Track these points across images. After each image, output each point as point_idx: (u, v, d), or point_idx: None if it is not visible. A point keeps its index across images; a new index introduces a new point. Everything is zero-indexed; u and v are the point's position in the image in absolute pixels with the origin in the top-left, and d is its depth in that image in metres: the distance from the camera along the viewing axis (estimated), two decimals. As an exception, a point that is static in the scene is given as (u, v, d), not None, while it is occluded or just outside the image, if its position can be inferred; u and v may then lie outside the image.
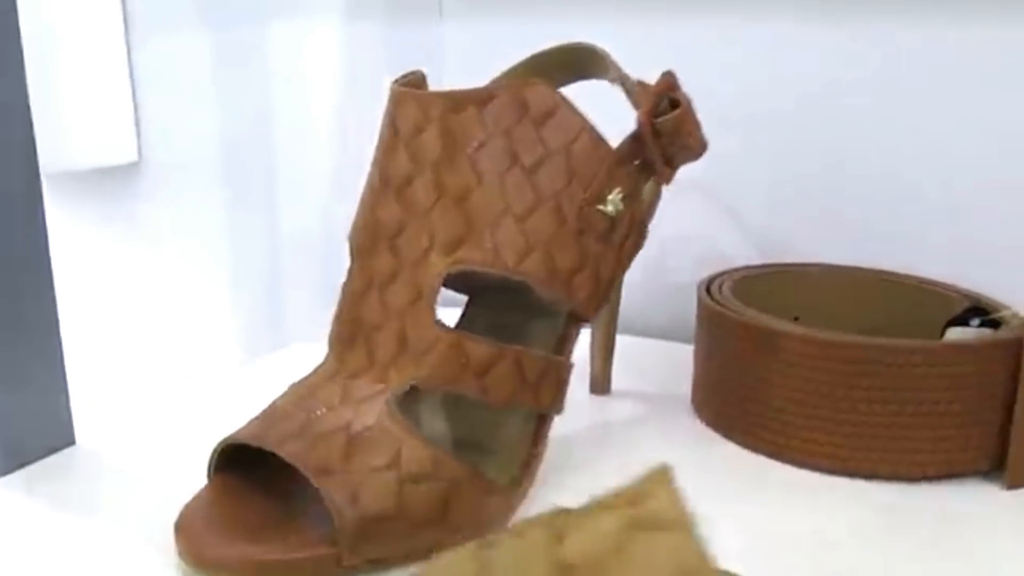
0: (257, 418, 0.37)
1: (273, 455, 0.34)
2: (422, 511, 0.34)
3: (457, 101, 0.37)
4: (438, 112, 0.37)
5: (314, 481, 0.33)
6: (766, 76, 0.55)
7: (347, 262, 0.39)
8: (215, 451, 0.37)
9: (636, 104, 0.41)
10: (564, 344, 0.41)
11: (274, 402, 0.38)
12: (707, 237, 0.59)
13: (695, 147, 0.40)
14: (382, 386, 0.36)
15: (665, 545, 0.18)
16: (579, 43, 0.43)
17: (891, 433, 0.42)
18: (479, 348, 0.36)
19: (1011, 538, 0.38)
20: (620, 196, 0.39)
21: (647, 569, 0.18)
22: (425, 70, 0.41)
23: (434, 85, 0.41)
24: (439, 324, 0.36)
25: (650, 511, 0.19)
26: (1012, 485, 0.42)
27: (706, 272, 0.52)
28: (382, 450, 0.34)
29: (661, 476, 0.20)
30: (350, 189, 0.41)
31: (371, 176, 0.39)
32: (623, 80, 0.42)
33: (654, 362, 0.56)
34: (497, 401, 0.37)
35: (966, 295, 0.48)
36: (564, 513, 0.21)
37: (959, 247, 0.53)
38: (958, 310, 0.47)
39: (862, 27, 0.53)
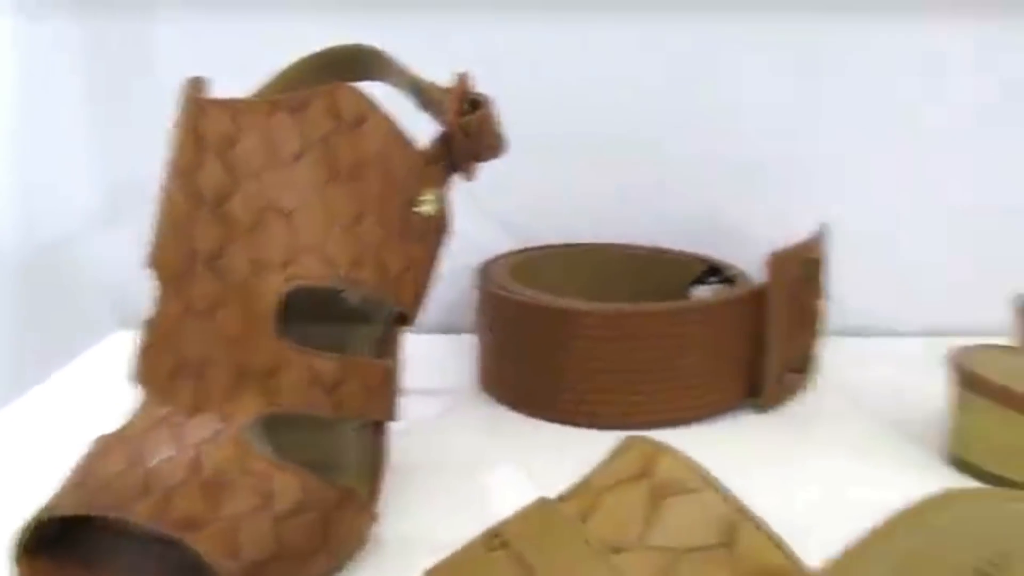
0: (73, 481, 0.32)
1: (90, 519, 0.30)
2: (304, 544, 0.32)
3: (270, 108, 0.35)
4: (252, 120, 0.34)
5: (182, 539, 0.30)
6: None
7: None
8: (24, 530, 0.31)
9: (430, 104, 0.42)
10: (388, 348, 0.41)
11: (87, 459, 0.33)
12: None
13: (498, 145, 0.42)
14: (223, 424, 0.33)
15: (699, 505, 0.20)
16: (359, 45, 0.43)
17: (670, 384, 0.48)
18: (327, 364, 0.35)
19: (763, 446, 0.46)
20: (434, 196, 0.39)
21: (689, 532, 0.20)
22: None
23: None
24: (284, 346, 0.34)
25: (668, 478, 0.21)
26: (764, 407, 0.50)
27: (460, 264, 0.54)
28: (249, 490, 0.32)
29: (649, 446, 0.22)
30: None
31: (170, 192, 0.35)
32: (414, 82, 0.42)
33: (430, 355, 0.57)
34: (350, 415, 0.36)
35: (702, 259, 0.56)
36: (575, 496, 0.21)
37: (692, 221, 0.61)
38: (697, 272, 0.55)
39: (600, 27, 0.59)
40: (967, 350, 0.45)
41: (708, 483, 0.20)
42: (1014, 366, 0.43)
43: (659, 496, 0.20)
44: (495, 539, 0.21)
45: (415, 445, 0.44)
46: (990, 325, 0.54)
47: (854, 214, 0.61)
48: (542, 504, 0.22)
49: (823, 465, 0.45)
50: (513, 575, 0.20)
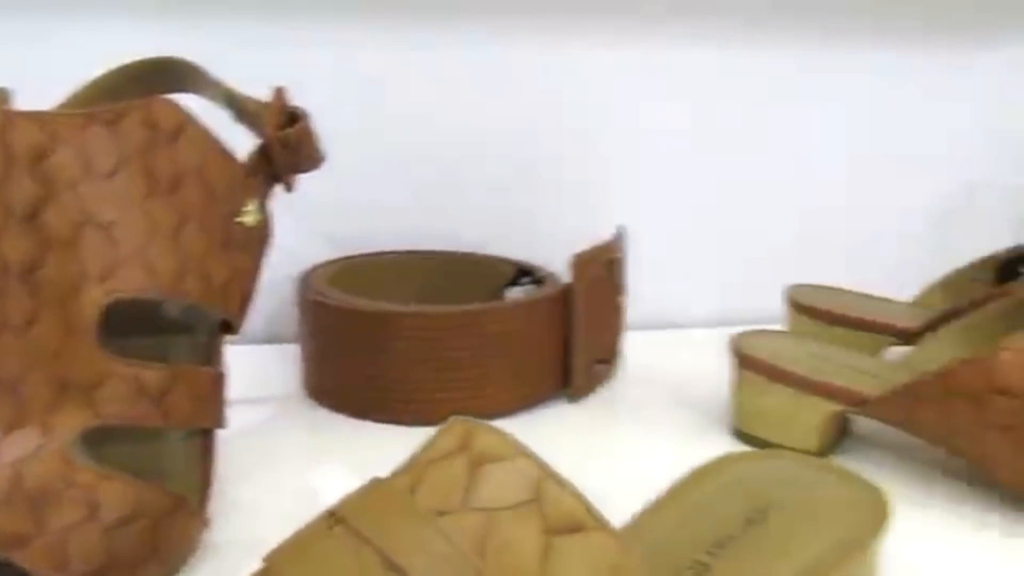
0: None
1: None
2: (135, 552, 0.33)
3: (85, 121, 0.35)
4: (66, 133, 0.34)
5: (9, 557, 0.29)
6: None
7: None
8: None
9: (245, 116, 0.43)
10: (213, 357, 0.41)
11: None
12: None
13: (317, 157, 0.43)
14: (45, 439, 0.33)
15: (511, 470, 0.23)
16: (171, 57, 0.43)
17: (487, 379, 0.51)
18: (154, 374, 0.35)
19: (574, 431, 0.51)
20: (255, 207, 0.40)
21: (503, 493, 0.23)
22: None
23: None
24: (108, 357, 0.34)
25: (484, 449, 0.24)
26: (575, 397, 0.54)
27: (281, 275, 0.56)
28: (75, 502, 0.32)
29: (468, 424, 0.25)
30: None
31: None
32: (228, 95, 0.43)
33: (255, 365, 0.57)
34: (178, 424, 0.36)
35: (513, 263, 0.59)
36: (404, 472, 0.24)
37: (506, 227, 0.65)
38: (511, 275, 0.58)
39: (412, 39, 0.61)
40: (743, 335, 0.51)
41: (519, 451, 0.23)
42: (782, 347, 0.50)
43: (477, 465, 0.23)
44: (332, 517, 0.23)
45: (243, 451, 0.45)
46: (772, 313, 0.62)
47: (649, 215, 0.68)
48: (374, 482, 0.24)
49: (627, 444, 0.49)
50: (350, 546, 0.22)
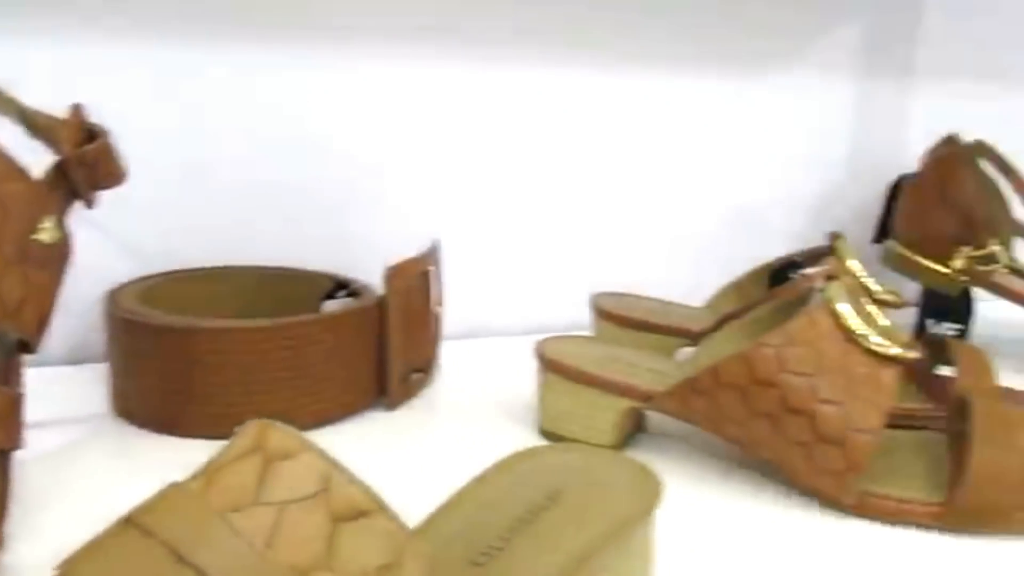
0: None
1: None
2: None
3: None
4: None
5: None
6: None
7: None
8: None
9: (39, 133, 0.42)
10: (10, 377, 0.40)
11: None
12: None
13: (117, 173, 0.43)
14: None
15: (301, 465, 0.25)
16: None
17: (303, 390, 0.52)
18: (-58, 396, 0.34)
19: (390, 438, 0.52)
20: (52, 224, 0.40)
21: (293, 487, 0.24)
22: None
23: None
24: None
25: (277, 447, 0.25)
26: (392, 406, 0.56)
27: (89, 293, 0.55)
28: None
29: (261, 425, 0.27)
30: None
31: None
32: (21, 111, 0.42)
33: (61, 385, 0.56)
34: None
35: (330, 276, 0.61)
36: (199, 475, 0.25)
37: (318, 240, 0.66)
38: (328, 288, 0.60)
39: (223, 51, 0.61)
40: (546, 340, 0.55)
41: (308, 447, 0.25)
42: (581, 351, 0.54)
43: (269, 462, 0.25)
44: (126, 522, 0.24)
45: (45, 473, 0.44)
46: (582, 321, 0.66)
47: (463, 227, 0.71)
48: (169, 486, 0.25)
49: (439, 447, 0.52)
50: (142, 547, 0.23)
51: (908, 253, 0.74)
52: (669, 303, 0.68)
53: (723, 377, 0.46)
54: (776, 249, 0.71)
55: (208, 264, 0.62)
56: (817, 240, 0.70)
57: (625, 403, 0.50)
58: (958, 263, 0.70)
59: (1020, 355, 0.75)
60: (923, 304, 0.74)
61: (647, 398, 0.49)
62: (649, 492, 0.37)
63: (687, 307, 0.69)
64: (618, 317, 0.64)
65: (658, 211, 0.79)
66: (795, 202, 0.85)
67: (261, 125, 0.64)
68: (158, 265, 0.60)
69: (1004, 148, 0.74)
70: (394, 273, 0.55)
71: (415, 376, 0.59)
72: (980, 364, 0.57)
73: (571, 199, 0.76)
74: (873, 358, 0.46)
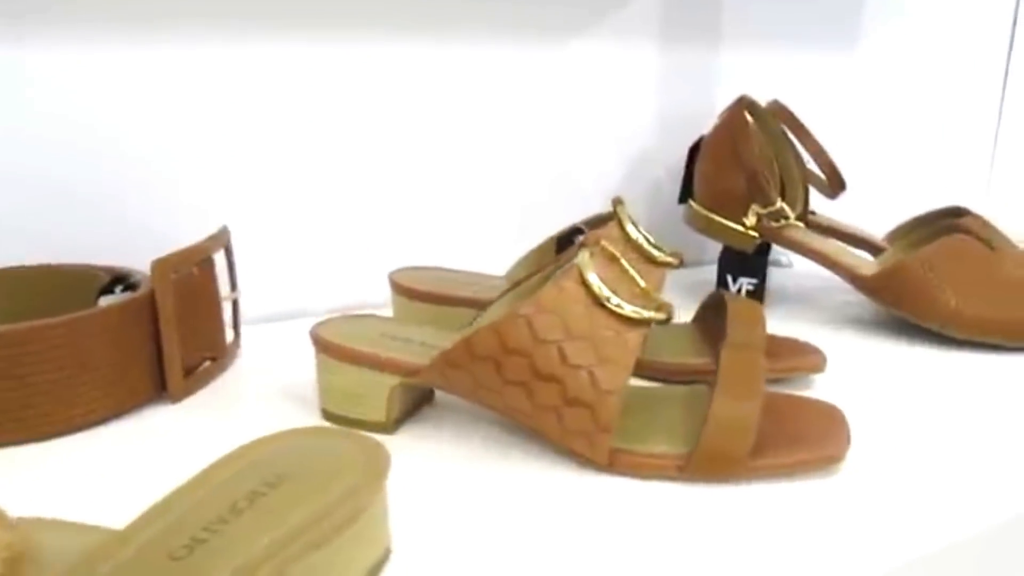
0: None
1: None
2: None
3: None
4: None
5: None
6: None
7: None
8: None
9: None
10: None
11: None
12: None
13: None
14: None
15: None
16: None
17: (79, 389, 0.51)
18: None
19: (174, 435, 0.52)
20: None
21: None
22: None
23: None
24: None
25: None
26: (175, 399, 0.55)
27: None
28: None
29: None
30: None
31: None
32: None
33: None
34: None
35: (106, 269, 0.59)
36: None
37: (105, 234, 0.64)
38: (104, 282, 0.58)
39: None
40: (325, 321, 0.55)
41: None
42: (355, 329, 0.54)
43: None
44: None
45: None
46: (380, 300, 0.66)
47: (264, 212, 0.70)
48: None
49: (221, 439, 0.51)
50: None
51: (706, 212, 0.76)
52: (476, 275, 0.69)
53: (476, 349, 0.47)
54: (597, 210, 0.74)
55: (-21, 265, 0.59)
56: (635, 200, 0.72)
57: (394, 379, 0.51)
58: (750, 220, 0.73)
59: (821, 306, 0.79)
60: (721, 261, 0.77)
61: (413, 373, 0.50)
62: (376, 466, 0.38)
63: (494, 278, 0.70)
64: (410, 291, 0.64)
65: (474, 183, 0.80)
66: (611, 167, 0.86)
67: (28, 115, 0.61)
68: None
69: (804, 105, 0.77)
70: (160, 265, 0.53)
71: (205, 366, 0.58)
72: (751, 317, 0.60)
73: (380, 175, 0.75)
74: (619, 321, 0.47)
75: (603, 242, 0.52)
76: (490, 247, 0.80)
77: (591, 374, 0.46)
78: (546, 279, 0.54)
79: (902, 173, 1.11)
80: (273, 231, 0.71)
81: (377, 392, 0.51)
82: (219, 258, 0.61)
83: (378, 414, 0.51)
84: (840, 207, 0.81)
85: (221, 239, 0.61)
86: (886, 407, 0.58)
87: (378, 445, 0.39)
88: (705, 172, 0.77)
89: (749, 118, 0.79)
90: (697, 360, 0.60)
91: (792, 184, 0.79)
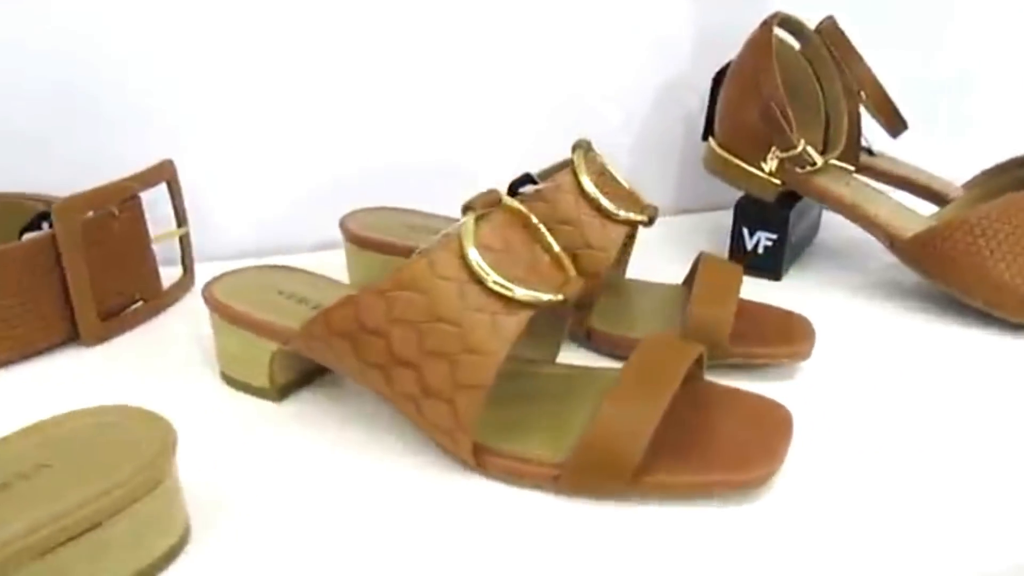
0: None
1: None
2: None
3: None
4: None
5: None
6: None
7: None
8: None
9: None
10: None
11: None
12: None
13: None
14: None
15: None
16: None
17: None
18: None
19: (84, 379, 0.50)
20: None
21: None
22: None
23: None
24: None
25: None
26: (88, 343, 0.54)
27: None
28: None
29: None
30: None
31: None
32: None
33: None
34: None
35: (46, 202, 0.57)
36: None
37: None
38: (32, 215, 0.56)
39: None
40: (223, 275, 0.51)
41: None
42: (248, 286, 0.50)
43: None
44: None
45: None
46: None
47: (207, 147, 0.66)
48: None
49: (122, 391, 0.49)
50: None
51: (723, 153, 0.66)
52: (434, 216, 0.62)
53: (333, 323, 0.42)
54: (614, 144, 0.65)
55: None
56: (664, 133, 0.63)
57: (273, 345, 0.46)
58: (770, 164, 0.62)
59: (862, 268, 0.67)
60: (737, 210, 0.66)
61: (287, 340, 0.45)
62: (163, 450, 0.35)
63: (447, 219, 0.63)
64: (359, 239, 0.59)
65: (478, 106, 0.72)
66: (639, 93, 0.76)
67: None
68: None
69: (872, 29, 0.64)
70: (62, 206, 0.51)
71: (134, 308, 0.56)
72: (722, 285, 0.51)
73: (373, 99, 0.69)
74: (499, 303, 0.40)
75: (507, 201, 0.44)
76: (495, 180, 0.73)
77: (452, 364, 0.40)
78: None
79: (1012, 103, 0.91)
80: (256, 161, 0.67)
81: (258, 357, 0.47)
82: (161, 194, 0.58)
83: (262, 379, 0.48)
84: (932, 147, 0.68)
85: (152, 176, 0.57)
86: (890, 407, 0.48)
87: (168, 427, 0.36)
88: (725, 105, 0.66)
89: (792, 40, 0.66)
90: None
91: (837, 120, 0.66)
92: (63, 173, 0.57)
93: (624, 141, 0.77)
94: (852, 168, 0.67)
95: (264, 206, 0.69)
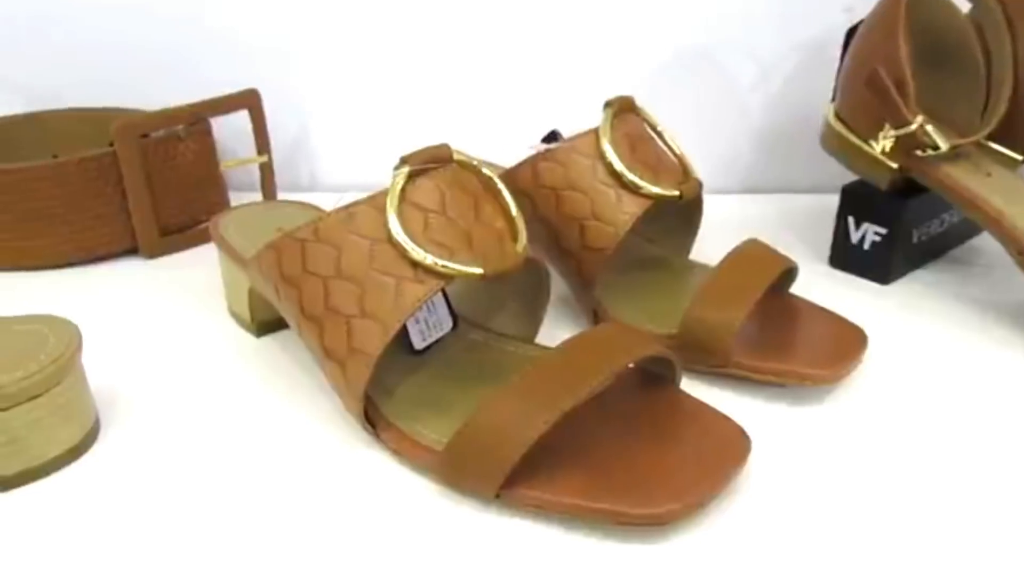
0: None
1: None
2: None
3: None
4: None
5: None
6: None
7: None
8: None
9: None
10: None
11: None
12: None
13: None
14: None
15: None
16: None
17: (56, 231, 0.55)
18: None
19: (109, 292, 0.54)
20: None
21: None
22: None
23: None
24: None
25: None
26: (146, 255, 0.58)
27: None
28: None
29: None
30: None
31: None
32: None
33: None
34: None
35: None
36: None
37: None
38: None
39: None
40: (230, 210, 0.52)
41: None
42: (249, 219, 0.50)
43: None
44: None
45: None
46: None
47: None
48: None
49: (153, 311, 0.52)
50: None
51: (839, 127, 0.55)
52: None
53: (263, 265, 0.40)
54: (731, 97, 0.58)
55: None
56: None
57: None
58: (882, 143, 0.51)
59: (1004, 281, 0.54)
60: (844, 196, 0.55)
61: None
62: (67, 346, 0.37)
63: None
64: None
65: (597, 54, 0.67)
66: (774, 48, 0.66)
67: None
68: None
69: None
70: (121, 126, 0.54)
71: (199, 228, 0.60)
72: (739, 285, 0.44)
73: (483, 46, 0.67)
74: (409, 267, 0.37)
75: (460, 157, 0.40)
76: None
77: (348, 326, 0.37)
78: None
79: None
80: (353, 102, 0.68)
81: (241, 290, 0.48)
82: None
83: (245, 313, 0.48)
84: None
85: (230, 103, 0.59)
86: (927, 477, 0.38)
87: (74, 331, 0.38)
88: (847, 65, 0.55)
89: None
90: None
91: (998, 92, 0.52)
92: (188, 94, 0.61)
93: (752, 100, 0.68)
94: (1020, 158, 0.53)
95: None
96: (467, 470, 0.35)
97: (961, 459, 0.38)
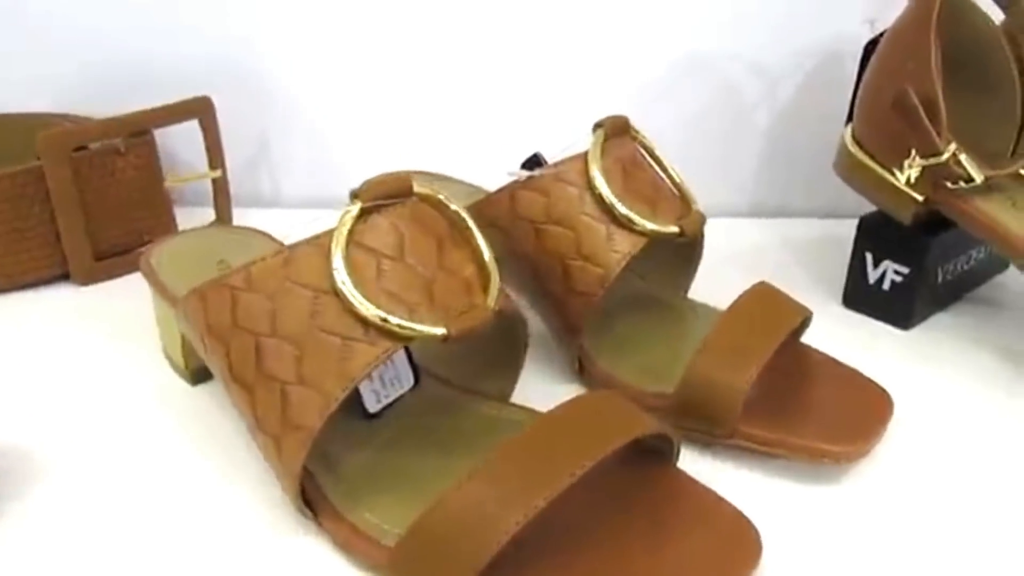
0: None
1: None
2: None
3: None
4: None
5: None
6: None
7: None
8: None
9: None
10: None
11: None
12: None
13: None
14: None
15: None
16: None
17: None
18: None
19: (35, 321, 0.48)
20: None
21: None
22: None
23: None
24: None
25: None
26: (78, 282, 0.51)
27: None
28: None
29: None
30: None
31: None
32: None
33: None
34: None
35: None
36: None
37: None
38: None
39: None
40: (164, 241, 0.45)
41: None
42: (186, 253, 0.44)
43: None
44: None
45: None
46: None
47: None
48: None
49: (91, 337, 0.46)
50: None
51: (856, 151, 0.49)
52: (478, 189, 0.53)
53: (188, 312, 0.34)
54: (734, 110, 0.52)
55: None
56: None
57: (180, 324, 0.40)
58: (907, 172, 0.45)
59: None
60: (861, 228, 0.49)
61: (185, 323, 0.39)
62: None
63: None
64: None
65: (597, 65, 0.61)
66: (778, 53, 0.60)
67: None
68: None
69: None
70: (47, 138, 0.48)
71: (136, 252, 0.53)
72: (742, 345, 0.37)
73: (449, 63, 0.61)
74: (356, 325, 0.31)
75: (420, 191, 0.34)
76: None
77: (284, 395, 0.31)
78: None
79: None
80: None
81: (174, 331, 0.41)
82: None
83: (178, 358, 0.42)
84: None
85: (177, 111, 0.53)
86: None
87: None
88: (866, 83, 0.49)
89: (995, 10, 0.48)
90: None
91: (986, 124, 0.47)
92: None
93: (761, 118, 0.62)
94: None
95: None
96: (423, 574, 0.29)
97: (1004, 549, 0.33)
